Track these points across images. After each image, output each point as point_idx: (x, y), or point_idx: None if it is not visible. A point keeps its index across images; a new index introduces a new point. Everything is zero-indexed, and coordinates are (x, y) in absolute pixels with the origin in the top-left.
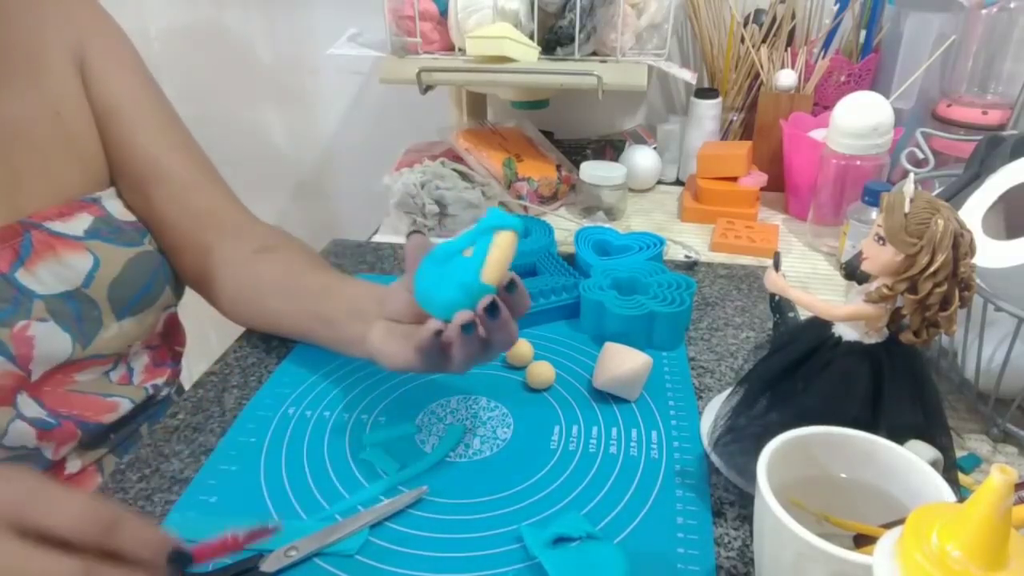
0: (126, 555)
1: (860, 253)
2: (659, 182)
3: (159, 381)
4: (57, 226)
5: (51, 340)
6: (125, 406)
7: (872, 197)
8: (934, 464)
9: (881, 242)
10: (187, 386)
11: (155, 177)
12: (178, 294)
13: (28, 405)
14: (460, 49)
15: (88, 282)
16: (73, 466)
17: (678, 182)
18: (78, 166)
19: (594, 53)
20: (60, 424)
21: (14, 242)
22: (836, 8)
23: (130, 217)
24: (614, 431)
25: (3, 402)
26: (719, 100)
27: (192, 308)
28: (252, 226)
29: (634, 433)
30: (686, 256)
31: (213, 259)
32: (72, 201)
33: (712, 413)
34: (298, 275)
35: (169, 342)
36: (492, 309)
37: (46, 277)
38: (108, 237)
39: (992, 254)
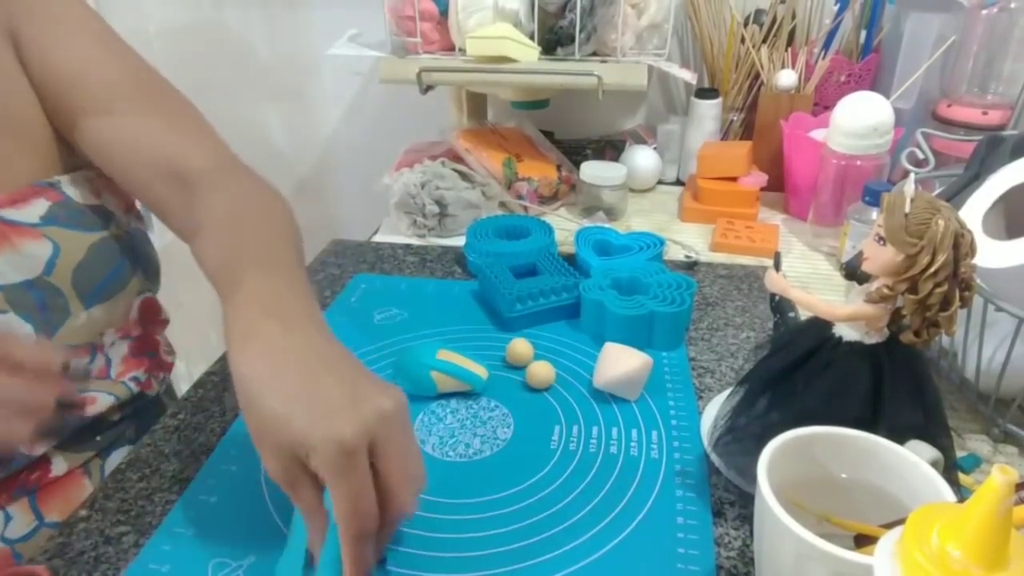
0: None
1: (860, 253)
2: (659, 182)
3: (139, 373)
4: (9, 214)
5: (11, 332)
6: (105, 400)
7: (872, 197)
8: (934, 464)
9: (881, 242)
10: (186, 386)
11: (121, 143)
12: (153, 280)
13: None
14: (460, 49)
15: (49, 270)
16: (59, 468)
17: (678, 182)
18: (26, 150)
19: (594, 53)
20: None
21: None
22: (836, 8)
23: (93, 200)
24: (614, 431)
25: None
26: (719, 100)
27: (192, 308)
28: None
29: (634, 433)
30: (686, 256)
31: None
32: (24, 187)
33: (712, 413)
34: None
35: (148, 329)
36: None
37: (2, 267)
38: (67, 223)
39: (992, 254)
